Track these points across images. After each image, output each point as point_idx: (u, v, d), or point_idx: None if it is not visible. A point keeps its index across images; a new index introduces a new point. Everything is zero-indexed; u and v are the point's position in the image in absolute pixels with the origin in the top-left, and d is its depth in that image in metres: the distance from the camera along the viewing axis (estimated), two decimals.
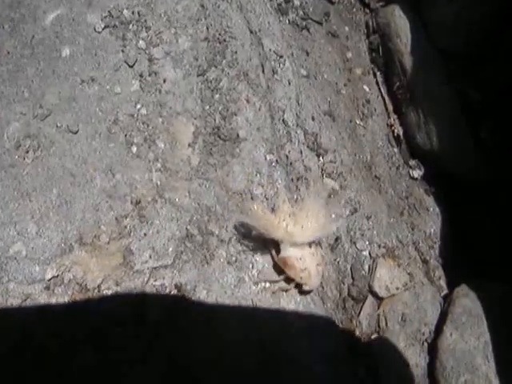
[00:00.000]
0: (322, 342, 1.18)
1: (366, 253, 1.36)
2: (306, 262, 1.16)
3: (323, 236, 1.21)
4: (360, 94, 1.54)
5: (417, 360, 1.31)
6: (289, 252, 1.16)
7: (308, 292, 1.20)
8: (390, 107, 1.58)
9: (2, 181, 1.13)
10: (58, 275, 1.12)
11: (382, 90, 1.58)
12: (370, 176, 1.44)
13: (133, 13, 1.26)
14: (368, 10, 1.67)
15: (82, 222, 1.15)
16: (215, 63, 1.26)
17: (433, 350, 1.33)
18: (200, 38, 1.28)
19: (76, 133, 1.18)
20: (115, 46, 1.24)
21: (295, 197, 1.28)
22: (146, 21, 1.26)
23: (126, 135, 1.19)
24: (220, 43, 1.28)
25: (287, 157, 1.30)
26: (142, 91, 1.22)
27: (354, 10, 1.69)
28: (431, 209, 1.51)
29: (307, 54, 1.45)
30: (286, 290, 1.19)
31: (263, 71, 1.31)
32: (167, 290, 1.15)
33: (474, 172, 1.50)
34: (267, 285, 1.18)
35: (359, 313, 1.31)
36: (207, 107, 1.24)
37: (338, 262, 1.31)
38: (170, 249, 1.16)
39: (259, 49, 1.34)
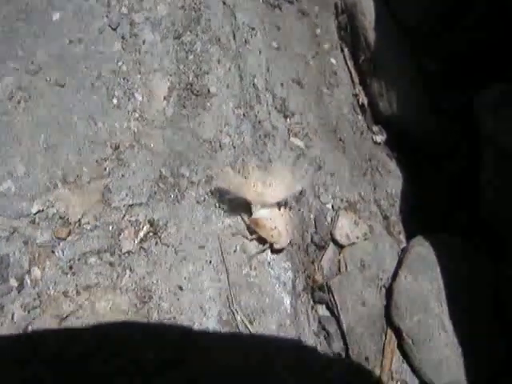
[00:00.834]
0: (284, 276, 1.29)
1: (329, 206, 1.48)
2: (275, 221, 1.27)
3: (290, 195, 1.31)
4: (327, 66, 1.68)
5: (374, 301, 1.40)
6: (260, 213, 1.28)
7: (279, 250, 1.31)
8: (356, 79, 1.72)
9: None
10: (43, 209, 1.24)
11: (348, 63, 1.72)
12: (334, 138, 1.57)
13: None
14: None
15: (65, 163, 1.28)
16: (190, 29, 1.41)
17: (389, 293, 1.41)
18: (177, 6, 1.43)
19: (63, 86, 1.32)
20: (100, 11, 1.40)
21: (264, 159, 1.40)
22: None
23: (107, 88, 1.33)
24: (195, 11, 1.44)
25: (256, 116, 1.44)
26: (123, 51, 1.37)
27: None
28: (393, 171, 1.63)
29: (278, 29, 1.60)
30: (261, 251, 1.31)
31: (234, 38, 1.46)
32: (141, 225, 1.26)
33: (430, 136, 1.63)
34: (231, 223, 1.29)
35: (321, 258, 1.41)
36: (182, 66, 1.38)
37: (303, 213, 1.42)
38: (145, 189, 1.29)
39: (232, 19, 1.49)
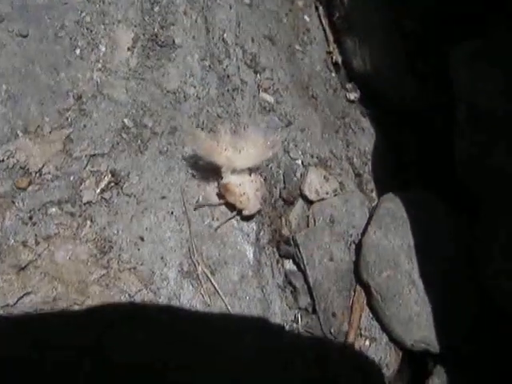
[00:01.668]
0: (247, 228, 1.27)
1: (298, 162, 1.46)
2: (245, 187, 1.26)
3: (261, 162, 1.30)
4: (301, 24, 1.66)
5: (342, 256, 1.39)
6: (229, 178, 1.26)
7: (248, 217, 1.30)
8: (331, 37, 1.69)
9: None
10: (3, 160, 1.22)
11: (323, 20, 1.69)
12: (306, 95, 1.54)
13: None
14: None
15: (27, 113, 1.26)
16: None
17: (358, 248, 1.39)
18: None
19: (25, 37, 1.30)
20: None
21: (230, 112, 1.38)
22: None
23: (70, 39, 1.31)
24: None
25: (224, 70, 1.42)
26: (87, 1, 1.35)
27: None
28: (366, 129, 1.60)
29: None
30: (229, 219, 1.30)
31: None
32: (103, 176, 1.24)
33: (405, 94, 1.60)
34: (195, 174, 1.27)
35: (289, 213, 1.39)
36: (147, 17, 1.36)
37: (271, 168, 1.40)
38: (107, 139, 1.27)
39: None
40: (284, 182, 1.40)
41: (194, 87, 1.32)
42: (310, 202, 1.42)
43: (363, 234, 1.40)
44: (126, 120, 1.27)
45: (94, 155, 1.24)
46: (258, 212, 1.29)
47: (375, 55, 1.58)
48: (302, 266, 1.34)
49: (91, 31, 1.32)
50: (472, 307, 1.35)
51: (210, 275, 1.21)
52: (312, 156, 1.45)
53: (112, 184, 1.23)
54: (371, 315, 1.37)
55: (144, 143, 1.26)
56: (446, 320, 1.34)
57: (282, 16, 1.61)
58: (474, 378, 1.33)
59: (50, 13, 1.33)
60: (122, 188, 1.23)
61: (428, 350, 1.31)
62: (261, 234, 1.28)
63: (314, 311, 1.33)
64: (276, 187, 1.38)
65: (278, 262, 1.34)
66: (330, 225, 1.39)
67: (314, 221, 1.39)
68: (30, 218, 1.19)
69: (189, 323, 1.18)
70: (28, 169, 1.22)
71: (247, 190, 1.25)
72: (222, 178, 1.25)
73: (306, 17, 1.67)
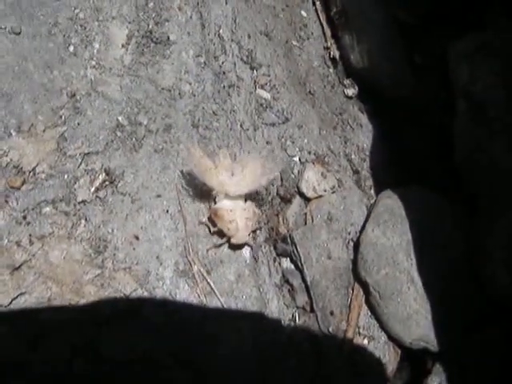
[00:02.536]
0: None
1: (296, 159, 1.44)
2: (235, 214, 1.22)
3: (255, 190, 1.27)
4: (298, 19, 1.64)
5: (340, 254, 1.37)
6: (222, 203, 1.23)
7: (237, 246, 1.26)
8: (328, 32, 1.67)
9: None
10: None
11: (320, 16, 1.67)
12: (303, 91, 1.53)
13: None
14: None
15: (20, 112, 1.24)
16: None
17: (356, 246, 1.38)
18: None
19: (18, 34, 1.29)
20: None
21: (227, 109, 1.36)
22: None
23: (64, 36, 1.30)
24: None
25: (220, 66, 1.40)
26: None
27: None
28: (365, 125, 1.58)
29: None
30: (218, 246, 1.26)
31: None
32: (97, 174, 1.23)
33: (404, 89, 1.59)
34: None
35: (287, 211, 1.37)
36: (141, 13, 1.34)
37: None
38: (101, 137, 1.25)
39: None
40: (281, 178, 1.38)
41: (190, 84, 1.31)
42: (307, 200, 1.41)
43: (361, 231, 1.39)
44: (120, 118, 1.26)
45: (89, 153, 1.23)
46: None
47: (373, 50, 1.56)
48: (300, 264, 1.33)
49: (85, 28, 1.30)
50: (471, 305, 1.34)
51: (205, 274, 1.20)
52: (309, 153, 1.44)
53: (107, 183, 1.22)
54: (369, 313, 1.37)
55: (139, 141, 1.25)
56: (445, 318, 1.32)
57: (279, 11, 1.59)
58: (473, 377, 1.31)
59: (43, 9, 1.31)
60: (116, 187, 1.22)
61: (427, 348, 1.31)
62: (257, 232, 1.25)
63: (312, 310, 1.32)
64: (273, 184, 1.36)
65: (274, 260, 1.32)
66: (327, 222, 1.38)
67: (312, 218, 1.38)
68: (24, 217, 1.17)
69: (184, 322, 1.16)
70: (22, 168, 1.21)
71: (237, 217, 1.21)
72: (214, 202, 1.22)
73: (302, 12, 1.65)
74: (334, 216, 1.39)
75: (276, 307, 1.27)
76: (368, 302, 1.36)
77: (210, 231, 1.25)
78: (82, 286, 1.14)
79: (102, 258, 1.17)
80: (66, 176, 1.21)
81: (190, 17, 1.37)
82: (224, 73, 1.38)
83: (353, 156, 1.51)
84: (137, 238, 1.19)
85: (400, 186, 1.46)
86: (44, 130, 1.23)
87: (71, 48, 1.29)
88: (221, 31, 1.42)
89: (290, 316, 1.31)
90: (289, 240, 1.33)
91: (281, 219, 1.35)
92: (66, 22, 1.30)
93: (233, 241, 1.22)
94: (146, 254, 1.19)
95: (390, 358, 1.34)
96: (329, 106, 1.55)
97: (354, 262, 1.36)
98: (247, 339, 1.20)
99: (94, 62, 1.28)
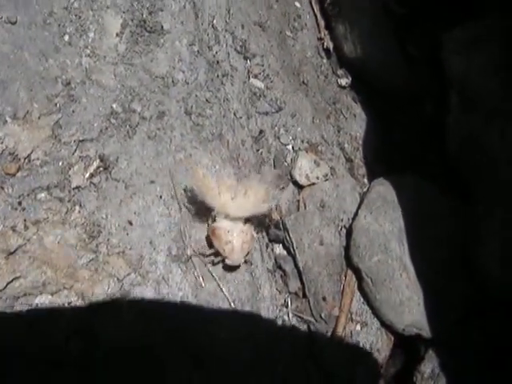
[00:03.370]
0: None
1: (289, 147, 1.46)
2: (232, 235, 1.21)
3: (256, 214, 1.27)
4: (291, 10, 1.65)
5: (332, 240, 1.38)
6: (220, 222, 1.23)
7: (231, 268, 1.26)
8: (322, 23, 1.69)
9: None
10: None
11: (314, 7, 1.68)
12: (297, 81, 1.54)
13: None
14: None
15: (15, 99, 1.26)
16: None
17: (349, 233, 1.39)
18: None
19: (14, 23, 1.31)
20: None
21: (220, 97, 1.38)
22: None
23: (59, 25, 1.31)
24: None
25: (214, 56, 1.41)
26: None
27: None
28: (358, 114, 1.60)
29: None
30: (214, 264, 1.26)
31: None
32: (91, 161, 1.24)
33: (397, 79, 1.60)
34: (182, 156, 1.26)
35: (280, 198, 1.38)
36: (135, 3, 1.36)
37: (261, 153, 1.40)
38: (96, 124, 1.27)
39: None
40: (274, 166, 1.39)
41: (183, 72, 1.32)
42: (300, 187, 1.42)
43: (354, 218, 1.39)
44: (114, 105, 1.27)
45: (83, 140, 1.24)
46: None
47: (366, 40, 1.58)
48: (292, 250, 1.34)
49: (80, 17, 1.32)
50: (463, 291, 1.35)
51: (199, 259, 1.20)
52: (303, 141, 1.45)
53: (101, 169, 1.23)
54: (362, 300, 1.37)
55: (132, 128, 1.26)
56: (437, 304, 1.33)
57: (273, 2, 1.60)
58: (466, 363, 1.32)
59: None
60: (110, 173, 1.23)
61: (420, 334, 1.32)
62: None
63: (304, 295, 1.33)
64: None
65: (267, 246, 1.34)
66: (320, 209, 1.39)
67: (305, 205, 1.39)
68: (19, 203, 1.18)
69: (177, 306, 1.17)
70: (17, 154, 1.22)
71: (234, 239, 1.21)
72: (214, 220, 1.22)
73: (296, 3, 1.67)
74: (327, 203, 1.40)
75: (268, 292, 1.28)
76: (360, 288, 1.36)
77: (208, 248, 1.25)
78: (76, 270, 1.15)
79: (96, 243, 1.18)
80: (60, 163, 1.22)
81: (184, 6, 1.38)
82: (217, 62, 1.40)
83: (346, 145, 1.52)
84: (130, 223, 1.20)
85: (393, 174, 1.45)
86: (39, 118, 1.24)
87: (66, 37, 1.30)
88: (214, 21, 1.43)
89: (283, 301, 1.32)
90: (281, 226, 1.34)
91: (273, 206, 1.35)
92: (61, 11, 1.32)
93: (227, 262, 1.22)
94: (139, 239, 1.20)
95: (382, 345, 1.35)
96: (322, 95, 1.57)
97: (347, 248, 1.37)
98: (242, 323, 1.20)
99: (88, 51, 1.30)
